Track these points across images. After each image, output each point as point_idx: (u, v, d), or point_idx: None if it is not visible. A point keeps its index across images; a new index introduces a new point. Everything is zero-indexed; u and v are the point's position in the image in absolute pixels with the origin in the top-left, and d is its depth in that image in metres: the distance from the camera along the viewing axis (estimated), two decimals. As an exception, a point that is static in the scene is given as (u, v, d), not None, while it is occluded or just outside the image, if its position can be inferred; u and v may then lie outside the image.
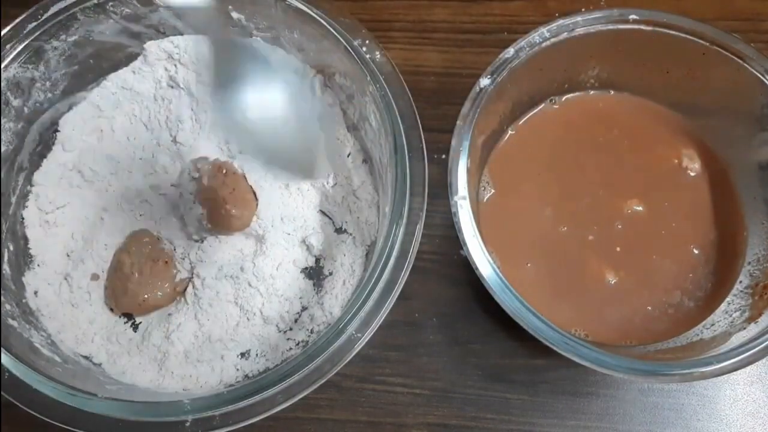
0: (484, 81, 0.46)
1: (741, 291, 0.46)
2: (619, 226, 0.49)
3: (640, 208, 0.49)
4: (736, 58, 0.45)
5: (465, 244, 0.42)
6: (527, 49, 0.46)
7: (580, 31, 0.47)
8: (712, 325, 0.45)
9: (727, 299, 0.46)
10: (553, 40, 0.46)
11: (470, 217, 0.42)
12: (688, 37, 0.45)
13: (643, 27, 0.46)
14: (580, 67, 0.51)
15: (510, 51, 0.46)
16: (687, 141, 0.50)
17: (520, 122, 0.52)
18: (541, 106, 0.52)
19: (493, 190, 0.50)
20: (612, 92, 0.52)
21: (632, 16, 0.46)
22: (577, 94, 0.52)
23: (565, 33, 0.47)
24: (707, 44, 0.45)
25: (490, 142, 0.50)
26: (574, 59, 0.49)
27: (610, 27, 0.46)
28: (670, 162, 0.50)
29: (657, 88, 0.50)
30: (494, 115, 0.48)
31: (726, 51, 0.45)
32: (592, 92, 0.52)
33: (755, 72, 0.45)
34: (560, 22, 0.47)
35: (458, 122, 0.45)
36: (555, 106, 0.52)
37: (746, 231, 0.48)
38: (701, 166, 0.50)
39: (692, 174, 0.50)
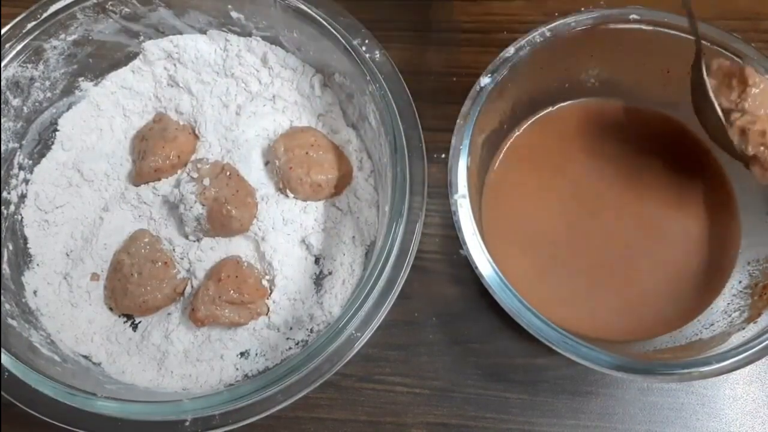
0: (485, 80, 0.46)
1: (740, 291, 0.46)
2: (619, 227, 0.49)
3: (640, 210, 0.49)
4: (736, 58, 0.45)
5: (464, 242, 0.42)
6: (528, 48, 0.46)
7: (580, 30, 0.47)
8: (711, 325, 0.45)
9: (727, 299, 0.46)
10: (553, 39, 0.46)
11: (470, 215, 0.42)
12: (689, 37, 0.44)
13: (643, 27, 0.46)
14: (581, 67, 0.51)
15: (510, 50, 0.46)
16: (686, 144, 0.51)
17: (525, 125, 0.52)
18: (546, 110, 0.52)
19: (494, 190, 0.50)
20: (612, 98, 0.52)
21: (633, 16, 0.46)
22: (579, 100, 0.53)
23: (566, 32, 0.46)
24: (708, 44, 0.45)
25: (491, 141, 0.50)
26: (574, 59, 0.49)
27: (611, 26, 0.46)
28: (668, 164, 0.51)
29: (657, 87, 0.50)
30: (495, 114, 0.48)
31: (726, 51, 0.45)
32: (593, 98, 0.52)
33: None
34: (561, 21, 0.47)
35: (459, 121, 0.45)
36: (558, 111, 0.52)
37: (741, 230, 0.48)
38: (699, 168, 0.50)
39: (690, 176, 0.50)
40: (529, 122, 0.52)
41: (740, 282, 0.47)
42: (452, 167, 0.44)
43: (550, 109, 0.52)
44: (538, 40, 0.46)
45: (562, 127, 0.52)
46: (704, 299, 0.47)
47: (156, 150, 0.53)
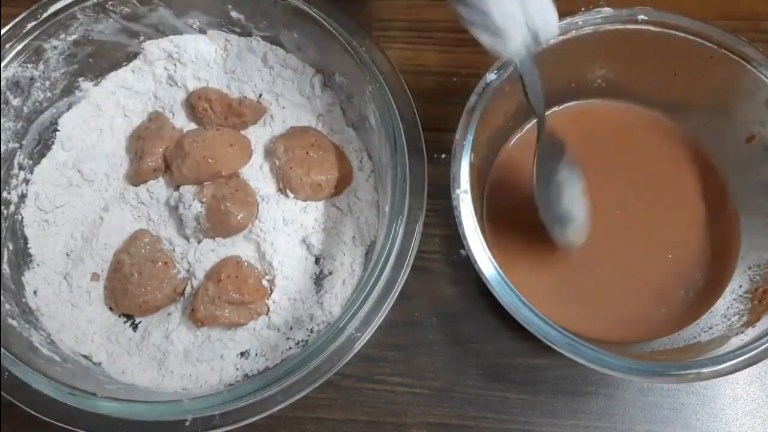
0: (491, 76, 0.45)
1: (740, 296, 0.46)
2: (621, 229, 0.49)
3: (642, 212, 0.49)
4: (742, 61, 0.45)
5: (465, 238, 0.41)
6: None
7: (588, 30, 0.46)
8: (710, 328, 0.45)
9: (727, 303, 0.46)
10: (561, 38, 0.46)
11: (471, 211, 0.42)
12: (697, 39, 0.44)
13: (651, 28, 0.46)
14: (588, 67, 0.50)
15: None
16: (688, 149, 0.51)
17: (529, 124, 0.52)
18: (551, 110, 0.52)
19: (497, 188, 0.50)
20: (618, 100, 0.52)
21: (641, 17, 0.46)
22: (585, 101, 0.52)
23: (573, 31, 0.46)
24: (715, 47, 0.45)
25: (495, 138, 0.50)
26: (581, 58, 0.49)
27: (619, 27, 0.46)
28: (671, 168, 0.51)
29: (663, 89, 0.50)
30: (500, 112, 0.48)
31: (733, 54, 0.45)
32: (599, 99, 0.52)
33: (761, 75, 0.44)
34: (569, 20, 0.46)
35: (463, 116, 0.45)
36: (564, 111, 0.52)
37: (741, 236, 0.48)
38: (699, 172, 0.50)
39: (692, 181, 0.50)
40: (534, 121, 0.52)
41: (740, 286, 0.47)
42: (455, 162, 0.44)
43: (555, 108, 0.52)
44: None
45: (567, 127, 0.52)
46: (704, 303, 0.47)
47: (153, 150, 0.53)
